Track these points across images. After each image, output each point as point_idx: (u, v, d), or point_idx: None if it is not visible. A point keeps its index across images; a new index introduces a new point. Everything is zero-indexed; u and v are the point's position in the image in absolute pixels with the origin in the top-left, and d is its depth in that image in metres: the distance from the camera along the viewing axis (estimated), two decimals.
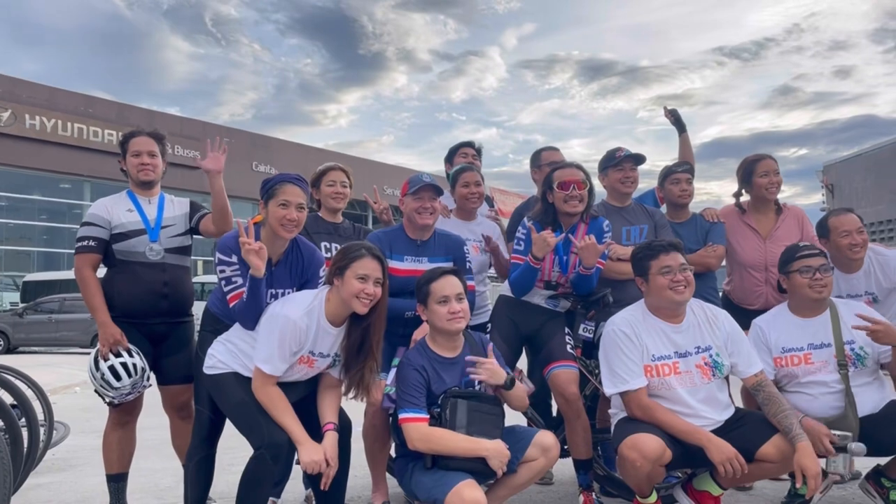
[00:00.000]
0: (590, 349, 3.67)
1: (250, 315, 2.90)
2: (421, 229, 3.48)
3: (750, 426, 2.98)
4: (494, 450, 2.77)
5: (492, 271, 4.20)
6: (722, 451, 2.82)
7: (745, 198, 4.17)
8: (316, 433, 2.83)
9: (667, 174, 4.16)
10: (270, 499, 3.49)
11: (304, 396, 3.00)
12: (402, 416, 2.85)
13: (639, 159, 3.90)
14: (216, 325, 3.08)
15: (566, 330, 3.61)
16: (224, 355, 2.94)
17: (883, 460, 3.31)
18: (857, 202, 16.88)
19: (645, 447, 2.83)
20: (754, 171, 4.05)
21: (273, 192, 2.97)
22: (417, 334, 3.24)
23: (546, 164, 4.28)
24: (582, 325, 3.63)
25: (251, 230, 2.87)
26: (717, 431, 2.98)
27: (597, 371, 3.59)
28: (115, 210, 3.48)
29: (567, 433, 3.47)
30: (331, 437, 2.84)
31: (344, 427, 3.00)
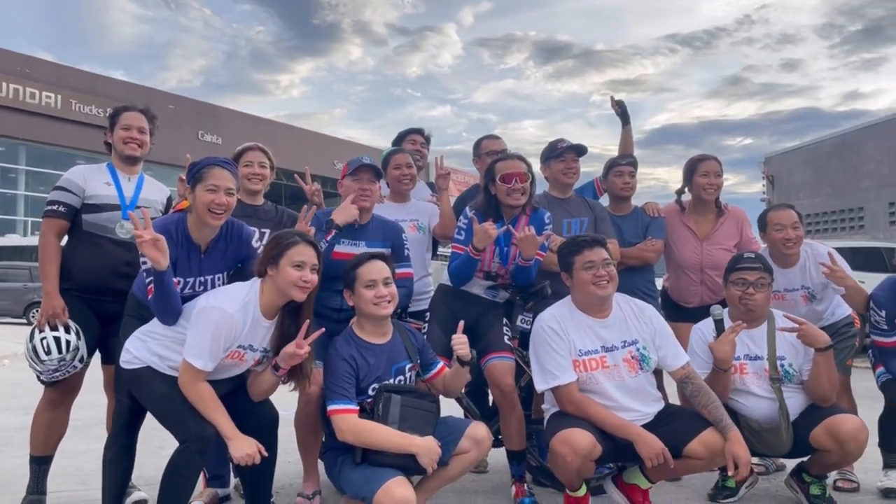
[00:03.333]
0: (527, 340, 3.67)
1: (164, 309, 2.76)
2: (360, 212, 3.41)
3: (679, 421, 3.02)
4: (425, 447, 2.74)
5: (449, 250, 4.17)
6: (650, 447, 2.85)
7: (687, 196, 4.21)
8: (243, 426, 2.76)
9: (610, 166, 4.16)
10: (216, 490, 3.43)
11: (231, 390, 2.92)
12: (331, 407, 2.80)
13: (580, 150, 3.89)
14: (140, 310, 2.96)
15: (504, 321, 3.60)
16: (140, 351, 2.81)
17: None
18: (796, 194, 17.36)
19: (576, 442, 2.84)
20: (696, 171, 4.08)
21: (200, 176, 2.85)
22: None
23: (486, 153, 4.25)
24: (520, 317, 3.62)
25: (147, 220, 2.69)
26: (647, 425, 3.02)
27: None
28: (91, 180, 3.36)
29: (501, 424, 3.48)
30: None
31: (271, 418, 2.93)
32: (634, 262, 3.97)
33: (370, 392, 2.89)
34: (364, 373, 2.88)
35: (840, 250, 4.00)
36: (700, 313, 3.94)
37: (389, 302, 2.90)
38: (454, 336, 2.97)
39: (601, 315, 3.13)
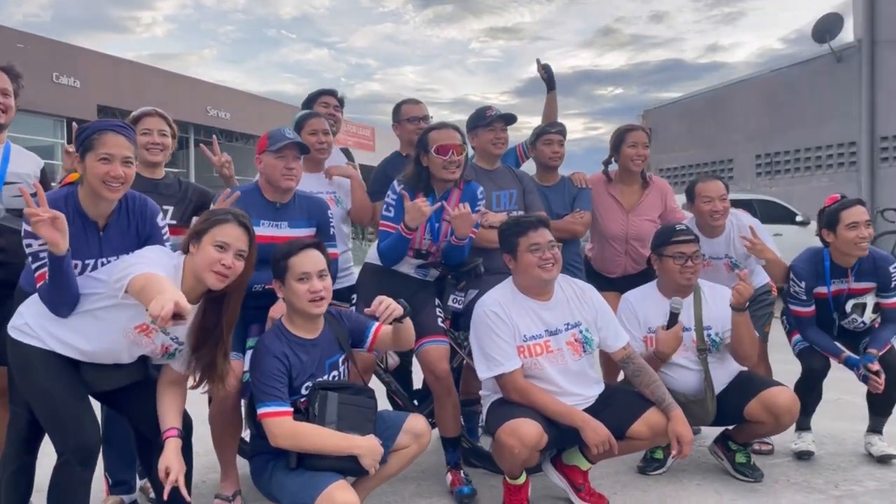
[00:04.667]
0: (458, 320, 3.52)
1: (60, 300, 2.35)
2: (283, 191, 3.10)
3: (621, 403, 2.98)
4: (367, 447, 2.55)
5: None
6: (597, 434, 2.79)
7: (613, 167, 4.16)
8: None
9: (539, 134, 4.02)
10: (120, 498, 3.09)
11: (134, 386, 2.58)
12: (262, 410, 2.54)
13: (510, 119, 3.71)
14: None
15: (436, 301, 3.42)
16: (35, 319, 2.40)
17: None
18: (672, 146, 18.06)
19: (524, 434, 2.74)
20: (624, 141, 4.01)
21: (91, 144, 2.41)
22: (274, 312, 2.91)
23: (407, 119, 3.98)
24: (452, 296, 3.45)
25: (42, 196, 2.24)
26: (590, 409, 2.96)
27: (465, 343, 3.46)
28: None
29: (436, 410, 3.32)
30: (172, 446, 2.44)
31: (186, 426, 2.62)
32: (563, 235, 3.86)
33: (303, 391, 2.65)
34: (297, 371, 2.63)
35: None
36: (622, 283, 3.94)
37: (323, 298, 2.64)
38: (374, 306, 2.66)
39: (544, 298, 3.02)
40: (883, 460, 3.57)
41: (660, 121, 18.71)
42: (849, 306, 3.59)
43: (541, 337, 2.96)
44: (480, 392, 3.18)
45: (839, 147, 14.65)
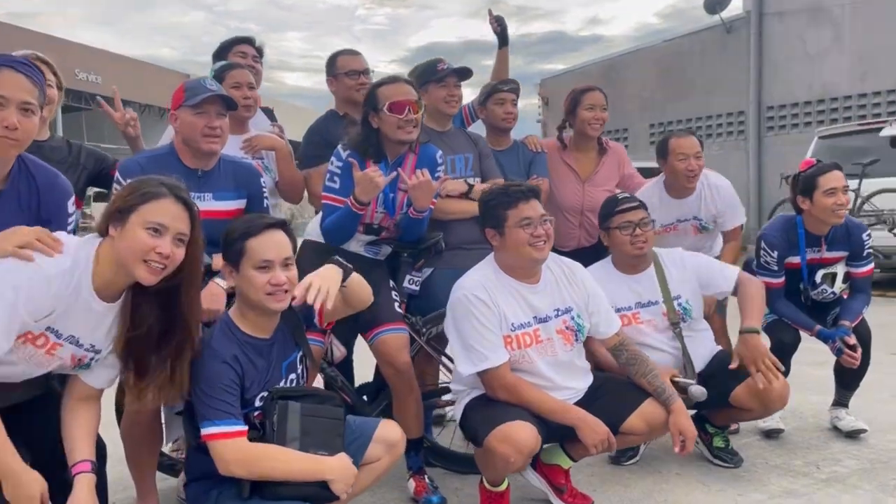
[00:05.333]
0: (415, 304, 3.08)
1: None
2: (205, 156, 2.55)
3: (613, 395, 2.65)
4: (340, 469, 2.09)
5: None
6: (596, 433, 2.45)
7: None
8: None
9: (490, 93, 3.60)
10: None
11: (31, 403, 2.03)
12: (209, 430, 2.02)
13: (464, 74, 3.28)
14: None
15: (391, 283, 2.98)
16: None
17: None
18: None
19: (520, 440, 2.36)
20: (580, 103, 3.66)
21: None
22: (212, 301, 2.39)
23: (344, 73, 3.45)
24: (408, 276, 3.02)
25: None
26: (580, 402, 2.63)
27: (423, 329, 3.03)
28: None
29: (396, 409, 2.89)
30: (85, 484, 1.92)
31: (100, 454, 2.10)
32: None
33: (258, 403, 2.15)
34: (251, 379, 2.12)
35: None
36: (575, 257, 3.61)
37: (287, 291, 2.12)
38: (299, 294, 2.17)
39: (531, 280, 2.62)
40: (852, 436, 3.46)
41: (555, 90, 18.71)
42: (819, 276, 3.43)
43: (529, 325, 2.58)
44: (451, 386, 2.77)
45: (728, 116, 15.11)
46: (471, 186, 3.21)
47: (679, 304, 3.10)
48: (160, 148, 2.69)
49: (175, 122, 2.54)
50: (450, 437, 3.25)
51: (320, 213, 2.95)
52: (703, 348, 3.16)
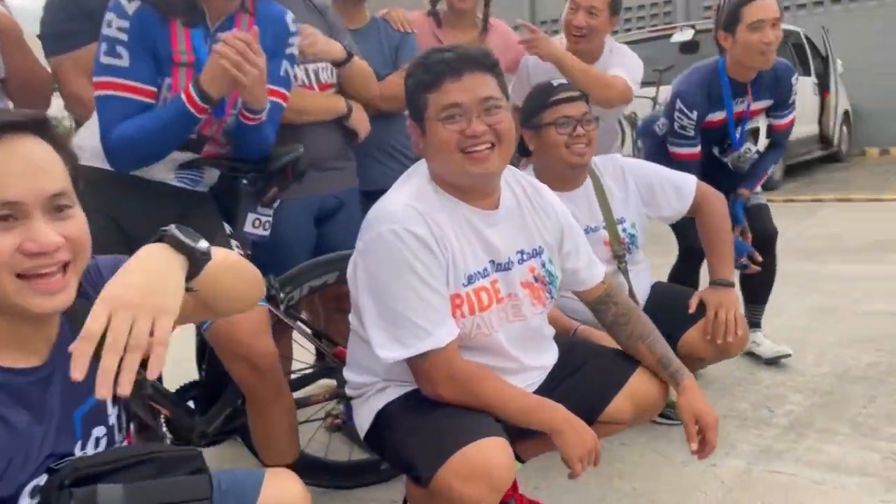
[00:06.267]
0: (261, 255, 2.00)
1: None
2: None
3: (591, 371, 1.81)
4: None
5: None
6: (583, 441, 1.57)
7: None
8: None
9: None
10: None
11: None
12: None
13: None
14: None
15: (225, 228, 1.88)
16: None
17: None
18: None
19: (495, 471, 1.44)
20: None
21: None
22: None
23: None
24: (251, 216, 1.93)
25: None
26: (543, 387, 1.78)
27: (280, 294, 2.00)
28: None
29: (257, 426, 1.85)
30: None
31: None
32: (389, 104, 2.50)
33: (29, 497, 1.02)
34: (3, 457, 0.99)
35: None
36: None
37: (53, 274, 1.00)
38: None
39: (487, 203, 1.66)
40: (774, 362, 3.02)
41: None
42: (741, 134, 2.85)
43: (485, 275, 1.64)
44: (347, 376, 1.76)
45: None
46: (349, 56, 2.18)
47: (624, 230, 2.36)
48: None
49: None
50: (323, 444, 2.29)
51: (92, 120, 1.75)
52: (643, 284, 2.47)
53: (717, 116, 2.79)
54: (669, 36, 8.63)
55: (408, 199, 1.56)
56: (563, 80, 2.34)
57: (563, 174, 2.27)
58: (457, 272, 1.56)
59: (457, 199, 1.60)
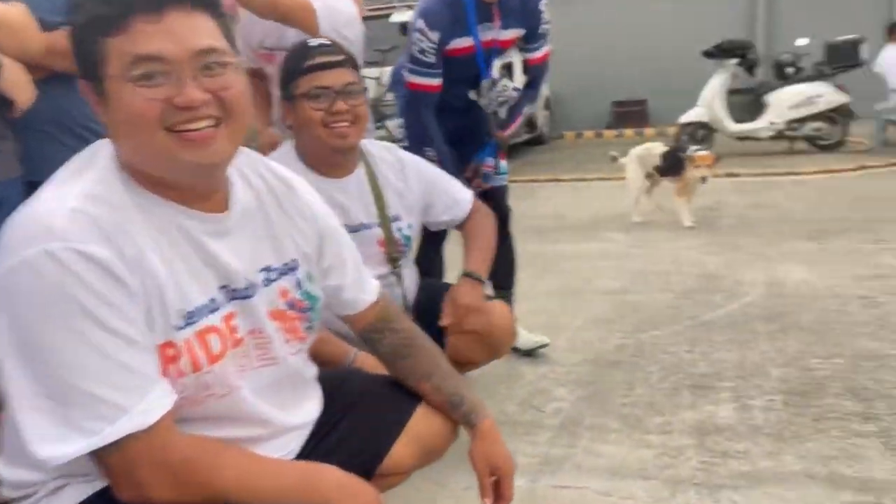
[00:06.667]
0: None
1: None
2: None
3: (365, 412, 1.39)
4: None
5: None
6: None
7: None
8: None
9: None
10: None
11: None
12: None
13: None
14: None
15: None
16: None
17: None
18: None
19: None
20: None
21: None
22: None
23: None
24: None
25: None
26: (307, 443, 1.33)
27: None
28: None
29: None
30: None
31: None
32: (63, 62, 1.83)
33: None
34: None
35: None
36: None
37: None
38: None
39: (208, 205, 1.12)
40: (532, 353, 2.88)
41: None
42: (495, 70, 2.62)
43: (215, 308, 1.11)
44: (4, 474, 1.12)
45: None
46: None
47: (399, 230, 1.99)
48: None
49: None
50: None
51: None
52: (412, 290, 2.13)
53: (463, 43, 2.52)
54: (388, 16, 8.50)
55: (76, 201, 0.98)
56: (324, 40, 1.87)
57: (328, 158, 1.83)
58: (166, 310, 1.03)
59: (161, 197, 1.07)
